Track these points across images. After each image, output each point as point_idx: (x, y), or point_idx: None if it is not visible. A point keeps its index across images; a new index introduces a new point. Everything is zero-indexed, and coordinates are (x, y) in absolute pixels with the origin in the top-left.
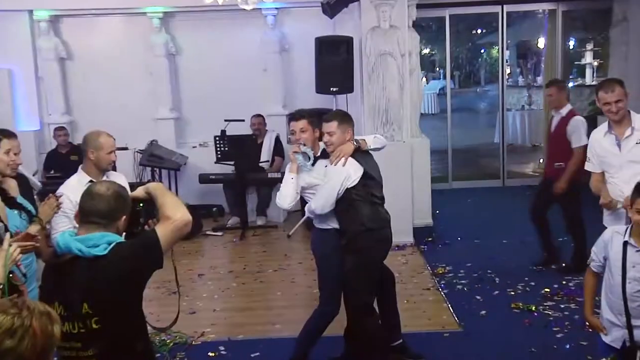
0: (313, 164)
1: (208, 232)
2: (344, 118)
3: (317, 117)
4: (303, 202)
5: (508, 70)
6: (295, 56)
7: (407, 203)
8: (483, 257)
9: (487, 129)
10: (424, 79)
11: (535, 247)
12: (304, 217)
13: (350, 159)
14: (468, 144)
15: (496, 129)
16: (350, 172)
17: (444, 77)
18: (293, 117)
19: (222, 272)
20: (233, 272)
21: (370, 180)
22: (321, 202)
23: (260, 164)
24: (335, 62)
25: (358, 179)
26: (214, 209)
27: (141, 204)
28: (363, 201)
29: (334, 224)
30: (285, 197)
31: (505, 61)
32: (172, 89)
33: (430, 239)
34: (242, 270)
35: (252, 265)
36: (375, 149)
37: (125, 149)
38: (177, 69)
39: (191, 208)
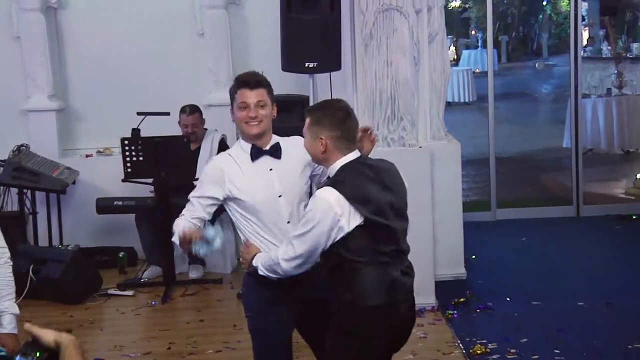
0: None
1: (111, 292)
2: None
3: None
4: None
5: (586, 34)
6: (249, 13)
7: (426, 242)
8: (547, 328)
9: (552, 126)
10: (453, 48)
11: (633, 313)
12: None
13: (330, 190)
14: (521, 151)
15: (566, 127)
16: (336, 212)
17: (484, 46)
18: (245, 83)
19: (135, 354)
20: (151, 354)
21: (381, 226)
22: (296, 260)
23: (196, 183)
24: (311, 23)
25: (355, 226)
26: (121, 254)
27: (39, 354)
28: (364, 264)
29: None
30: None
31: (581, 19)
32: (52, 65)
33: (462, 300)
34: (166, 352)
35: (181, 343)
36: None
37: None
38: (60, 33)
39: (82, 254)
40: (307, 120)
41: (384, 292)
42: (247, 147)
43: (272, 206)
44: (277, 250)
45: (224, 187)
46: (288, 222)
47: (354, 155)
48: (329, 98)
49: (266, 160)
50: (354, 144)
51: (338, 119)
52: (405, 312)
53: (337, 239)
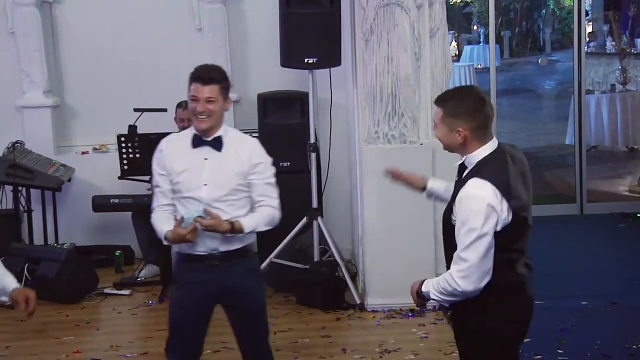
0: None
1: (108, 291)
2: None
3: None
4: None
5: (589, 29)
6: (248, 8)
7: (427, 241)
8: (550, 328)
9: (555, 122)
10: (454, 43)
11: (638, 313)
12: (263, 265)
13: (481, 183)
14: (524, 147)
15: (569, 123)
16: (496, 207)
17: (486, 41)
18: (198, 78)
19: (131, 354)
20: (148, 354)
21: (524, 223)
22: (471, 274)
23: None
24: (311, 18)
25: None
26: (117, 253)
27: None
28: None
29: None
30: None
31: (584, 14)
32: (47, 60)
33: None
34: (163, 352)
35: None
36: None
37: None
38: (55, 28)
39: (77, 253)
40: (441, 112)
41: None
42: (192, 133)
43: (194, 192)
44: (450, 271)
45: (165, 165)
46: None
47: (494, 143)
48: (461, 86)
49: (205, 150)
50: (489, 132)
51: (475, 108)
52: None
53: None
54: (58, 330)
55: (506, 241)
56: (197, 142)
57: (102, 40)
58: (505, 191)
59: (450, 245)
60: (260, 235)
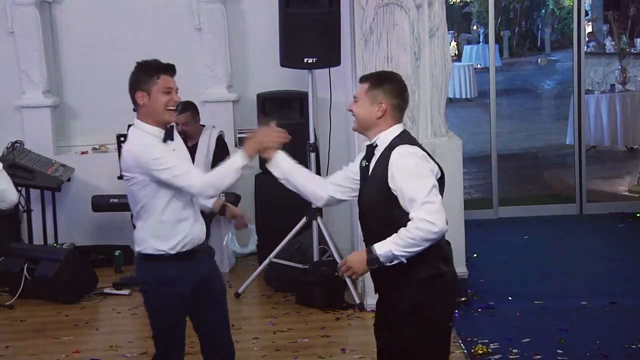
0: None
1: (107, 291)
2: None
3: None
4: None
5: (589, 29)
6: (247, 8)
7: None
8: (549, 328)
9: (555, 122)
10: (454, 43)
11: (637, 312)
12: (262, 265)
13: (408, 146)
14: (523, 148)
15: (569, 123)
16: (423, 153)
17: (486, 41)
18: (168, 69)
19: (131, 354)
20: (147, 354)
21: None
22: (441, 213)
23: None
24: (310, 18)
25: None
26: (117, 253)
27: None
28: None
29: (164, 245)
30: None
31: (584, 13)
32: (46, 60)
33: (463, 300)
34: None
35: None
36: None
37: None
38: (54, 28)
39: (77, 253)
40: (366, 85)
41: (449, 255)
42: (157, 131)
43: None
44: (414, 220)
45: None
46: None
47: (402, 127)
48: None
49: (170, 142)
50: (402, 119)
51: (399, 88)
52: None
53: None
54: (57, 330)
55: None
56: (168, 136)
57: (102, 40)
58: (427, 154)
59: (377, 222)
60: (260, 235)
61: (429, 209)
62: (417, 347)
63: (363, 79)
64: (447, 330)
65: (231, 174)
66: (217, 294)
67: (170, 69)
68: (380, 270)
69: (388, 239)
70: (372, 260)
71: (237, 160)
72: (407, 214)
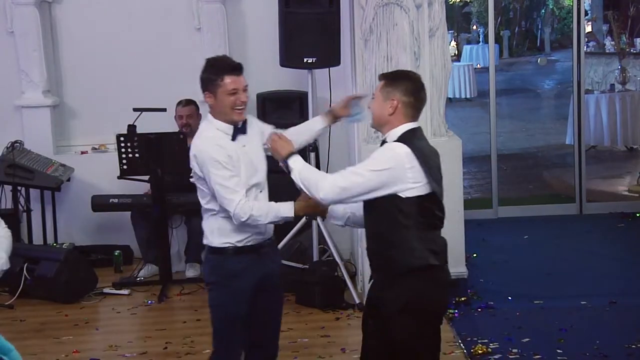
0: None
1: (107, 290)
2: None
3: None
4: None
5: (589, 29)
6: (247, 8)
7: None
8: (549, 328)
9: (554, 122)
10: (454, 43)
11: (637, 312)
12: None
13: (402, 145)
14: (523, 147)
15: (569, 123)
16: (406, 166)
17: (485, 41)
18: (233, 69)
19: (130, 354)
20: (147, 354)
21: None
22: (342, 193)
23: (192, 180)
24: (310, 18)
25: (417, 190)
26: (117, 253)
27: None
28: (422, 222)
29: (230, 239)
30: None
31: (584, 13)
32: (46, 60)
33: (463, 299)
34: (163, 352)
35: (177, 342)
36: None
37: None
38: (54, 28)
39: (76, 253)
40: (382, 82)
41: (439, 250)
42: (227, 127)
43: (254, 179)
44: (330, 177)
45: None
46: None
47: (417, 124)
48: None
49: (240, 138)
50: (418, 117)
51: (414, 87)
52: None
53: (399, 193)
54: (57, 330)
55: (427, 207)
56: (238, 131)
57: (102, 40)
58: (423, 159)
59: (365, 213)
60: None
61: (339, 180)
62: (405, 344)
63: (381, 77)
64: (436, 328)
65: (271, 217)
66: (277, 292)
67: (236, 69)
68: (370, 258)
69: (304, 164)
70: (285, 160)
71: (284, 209)
72: (392, 204)
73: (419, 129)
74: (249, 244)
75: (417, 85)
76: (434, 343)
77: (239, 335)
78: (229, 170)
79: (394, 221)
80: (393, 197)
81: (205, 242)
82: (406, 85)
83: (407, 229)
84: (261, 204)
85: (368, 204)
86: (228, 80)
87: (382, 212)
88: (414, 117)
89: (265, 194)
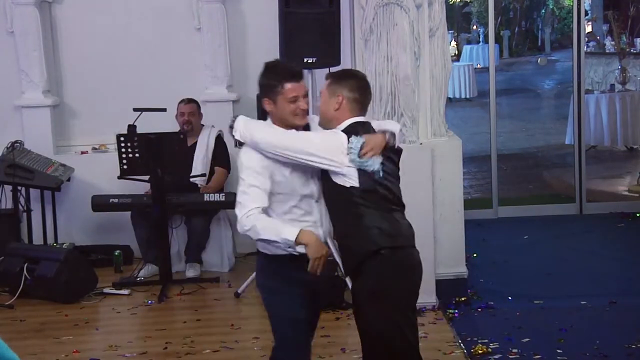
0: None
1: (107, 290)
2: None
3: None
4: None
5: (589, 29)
6: (246, 8)
7: (427, 241)
8: (549, 328)
9: (555, 122)
10: (454, 43)
11: (637, 312)
12: None
13: (342, 134)
14: (523, 147)
15: (569, 123)
16: (344, 151)
17: (486, 41)
18: (292, 76)
19: (130, 354)
20: (147, 354)
21: (386, 182)
22: (271, 136)
23: (193, 180)
24: (310, 18)
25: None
26: (117, 253)
27: None
28: (372, 208)
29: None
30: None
31: (584, 13)
32: (46, 60)
33: (463, 299)
34: (163, 352)
35: (177, 342)
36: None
37: None
38: (54, 28)
39: (76, 253)
40: (329, 81)
41: (397, 235)
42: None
43: (305, 189)
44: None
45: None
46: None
47: (364, 119)
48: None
49: None
50: (364, 113)
51: (359, 84)
52: (417, 258)
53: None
54: (57, 330)
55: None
56: None
57: (101, 40)
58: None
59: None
60: None
61: (261, 136)
62: (376, 331)
63: (327, 76)
64: (408, 313)
65: (272, 234)
66: (319, 303)
67: (295, 76)
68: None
69: (249, 125)
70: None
71: (287, 231)
72: (340, 194)
73: (367, 123)
74: (300, 251)
75: (362, 83)
76: (408, 328)
77: (298, 344)
78: (257, 179)
79: (346, 211)
80: (339, 187)
81: (258, 247)
82: (351, 83)
83: (358, 217)
84: (269, 218)
85: (327, 200)
86: (289, 86)
87: (335, 204)
88: (361, 112)
89: (320, 205)
